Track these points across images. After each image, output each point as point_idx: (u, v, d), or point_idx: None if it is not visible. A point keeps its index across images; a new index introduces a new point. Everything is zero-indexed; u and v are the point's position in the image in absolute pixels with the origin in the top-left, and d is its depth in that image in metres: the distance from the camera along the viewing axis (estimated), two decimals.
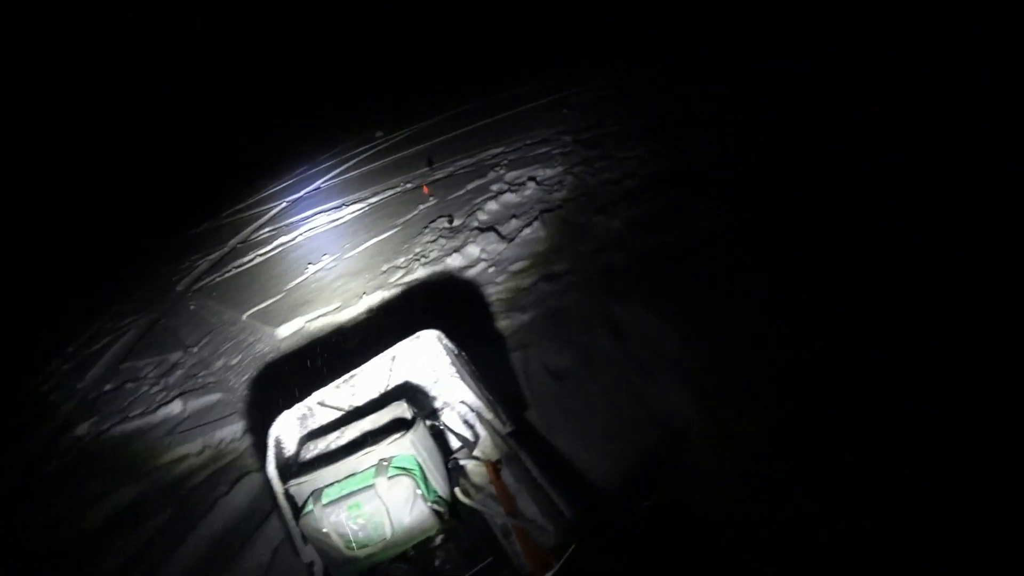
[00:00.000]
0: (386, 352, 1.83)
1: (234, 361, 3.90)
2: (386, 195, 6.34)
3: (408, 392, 1.81)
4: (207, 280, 5.94)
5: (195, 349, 4.37)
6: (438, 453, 1.64)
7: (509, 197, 4.63)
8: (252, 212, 8.13)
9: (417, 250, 4.32)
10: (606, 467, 1.95)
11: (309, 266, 5.23)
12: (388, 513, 1.50)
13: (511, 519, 1.57)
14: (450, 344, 1.77)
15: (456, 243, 4.19)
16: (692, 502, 1.76)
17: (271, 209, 7.81)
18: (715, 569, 1.60)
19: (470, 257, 3.91)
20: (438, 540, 1.57)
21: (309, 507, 1.52)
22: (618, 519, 1.72)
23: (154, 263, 7.48)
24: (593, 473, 1.96)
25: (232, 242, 6.90)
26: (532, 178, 4.78)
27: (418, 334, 1.82)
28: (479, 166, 5.70)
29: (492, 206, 4.58)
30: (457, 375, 1.83)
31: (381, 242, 4.92)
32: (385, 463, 1.52)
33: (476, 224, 4.41)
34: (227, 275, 5.85)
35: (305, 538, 1.58)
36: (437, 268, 3.88)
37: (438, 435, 1.75)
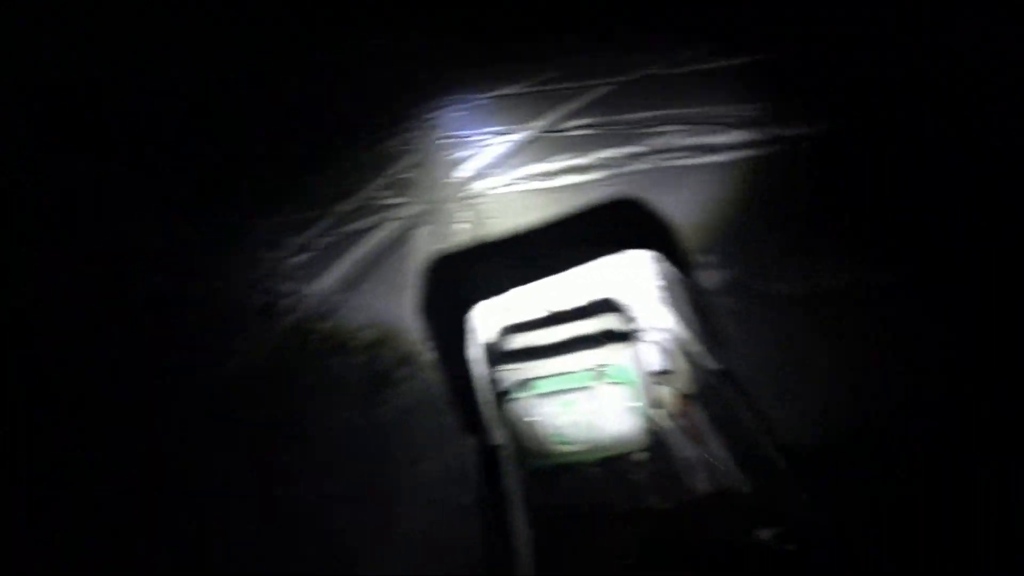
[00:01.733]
0: (594, 262, 1.77)
1: None
2: None
3: (613, 307, 1.75)
4: None
5: None
6: (647, 373, 1.59)
7: None
8: None
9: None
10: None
11: None
12: (601, 417, 1.47)
13: (707, 453, 1.51)
14: (669, 267, 1.69)
15: None
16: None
17: None
18: None
19: None
20: (639, 456, 1.53)
21: (519, 394, 1.50)
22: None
23: None
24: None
25: None
26: None
27: (629, 252, 1.75)
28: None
29: None
30: (665, 301, 1.75)
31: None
32: (603, 369, 1.48)
33: None
34: None
35: (499, 422, 1.58)
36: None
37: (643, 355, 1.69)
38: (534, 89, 6.33)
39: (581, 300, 1.79)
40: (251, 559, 1.90)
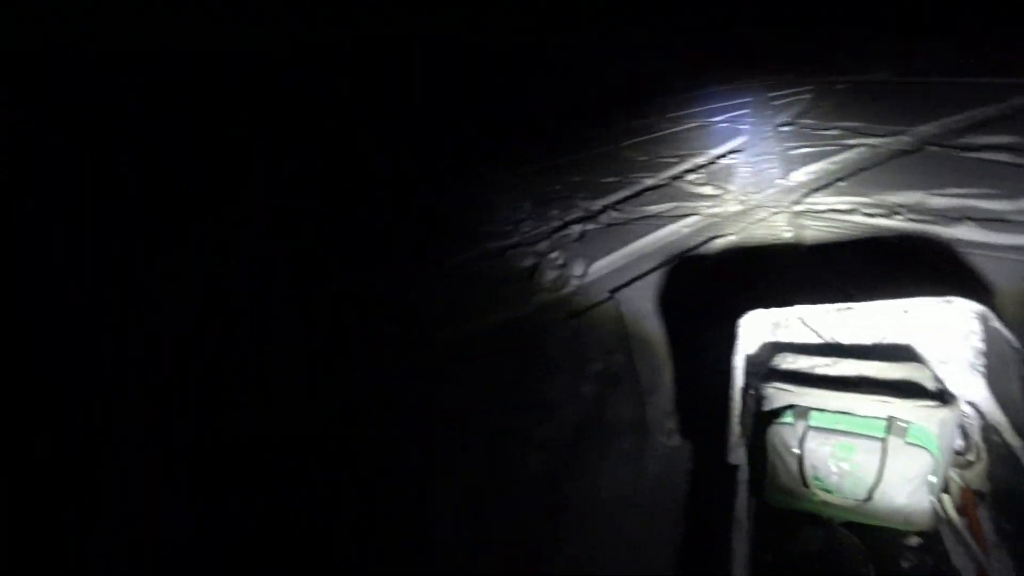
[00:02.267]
0: (898, 301, 1.51)
1: None
2: None
3: (916, 356, 1.47)
4: None
5: None
6: (951, 449, 1.31)
7: None
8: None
9: None
10: None
11: None
12: (882, 479, 1.23)
13: (991, 568, 1.20)
14: (1003, 329, 1.37)
15: None
16: None
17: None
18: None
19: None
20: (913, 541, 1.27)
21: (789, 419, 1.32)
22: None
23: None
24: None
25: None
26: None
27: (950, 299, 1.46)
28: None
29: None
30: (982, 370, 1.44)
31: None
32: (903, 425, 1.24)
33: None
34: None
35: (742, 440, 1.42)
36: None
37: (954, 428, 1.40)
38: (902, 80, 5.95)
39: (875, 338, 1.55)
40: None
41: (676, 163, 5.54)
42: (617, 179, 5.51)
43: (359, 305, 3.89)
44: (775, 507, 1.38)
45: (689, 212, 4.22)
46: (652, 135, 7.13)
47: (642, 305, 3.03)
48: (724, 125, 6.72)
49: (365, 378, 2.94)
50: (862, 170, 4.08)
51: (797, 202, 3.82)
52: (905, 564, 1.26)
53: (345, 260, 4.97)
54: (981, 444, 1.45)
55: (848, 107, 5.91)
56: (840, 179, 4.01)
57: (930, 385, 1.32)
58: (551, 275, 3.67)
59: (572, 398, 2.41)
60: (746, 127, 6.31)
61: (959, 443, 1.46)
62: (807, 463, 1.28)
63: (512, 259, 4.16)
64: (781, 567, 1.33)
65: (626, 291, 3.22)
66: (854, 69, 7.67)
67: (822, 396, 1.33)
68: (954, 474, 1.44)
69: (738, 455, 1.44)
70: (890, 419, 1.26)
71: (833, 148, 4.71)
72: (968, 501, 1.40)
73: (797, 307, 1.58)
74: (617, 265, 3.64)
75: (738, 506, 1.37)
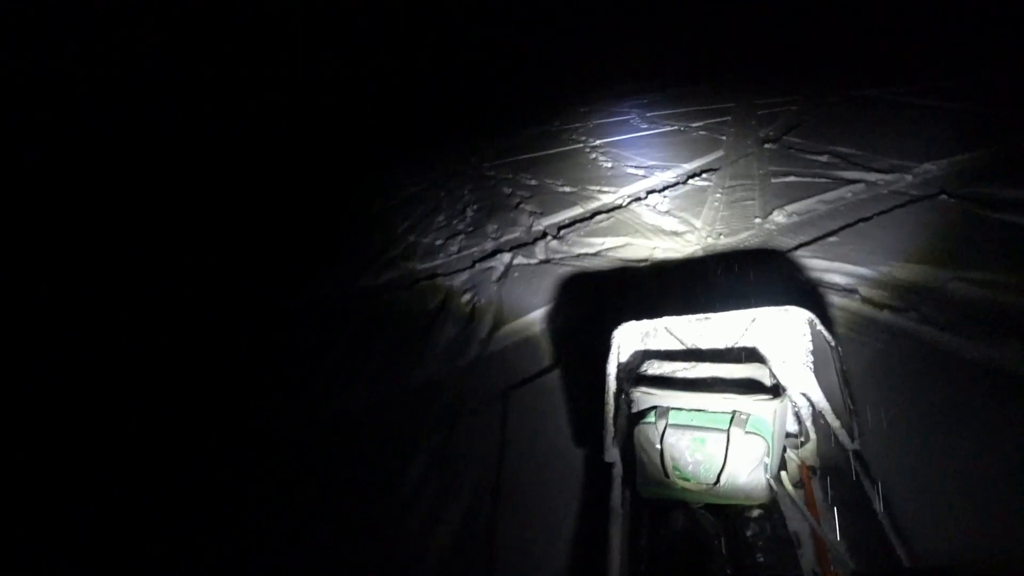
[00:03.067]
0: (748, 311, 1.76)
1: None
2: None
3: (760, 358, 1.73)
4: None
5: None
6: (783, 434, 1.56)
7: None
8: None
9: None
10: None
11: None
12: (727, 463, 1.46)
13: (821, 530, 1.46)
14: (825, 332, 1.64)
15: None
16: None
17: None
18: None
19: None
20: (754, 513, 1.50)
21: (651, 419, 1.52)
22: None
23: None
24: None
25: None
26: None
27: (787, 308, 1.72)
28: None
29: None
30: (810, 366, 1.71)
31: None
32: (743, 416, 1.47)
33: None
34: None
35: (615, 440, 1.61)
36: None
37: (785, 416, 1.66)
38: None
39: (728, 343, 1.79)
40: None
41: (642, 178, 5.22)
42: (574, 191, 5.19)
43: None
44: (646, 497, 1.58)
45: (641, 260, 3.68)
46: (625, 136, 6.94)
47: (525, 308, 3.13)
48: (703, 134, 6.40)
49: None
50: (861, 220, 3.44)
51: (779, 267, 3.16)
52: (749, 533, 1.48)
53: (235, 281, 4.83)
54: (811, 427, 1.72)
55: (840, 127, 5.42)
56: (832, 233, 3.38)
57: (767, 381, 1.56)
58: (450, 332, 3.29)
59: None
60: (727, 138, 5.97)
61: (794, 428, 1.73)
62: (667, 456, 1.48)
63: (420, 297, 3.76)
64: (653, 549, 1.53)
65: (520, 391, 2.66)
66: (847, 82, 7.35)
67: (680, 397, 1.54)
68: (792, 454, 1.70)
69: (612, 454, 1.63)
70: (734, 413, 1.49)
71: (824, 181, 4.16)
72: (805, 475, 1.67)
73: (664, 318, 1.79)
74: (525, 333, 3.09)
75: (613, 498, 1.57)
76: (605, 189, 5.09)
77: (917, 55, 8.25)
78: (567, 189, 5.28)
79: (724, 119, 6.73)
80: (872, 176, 4.05)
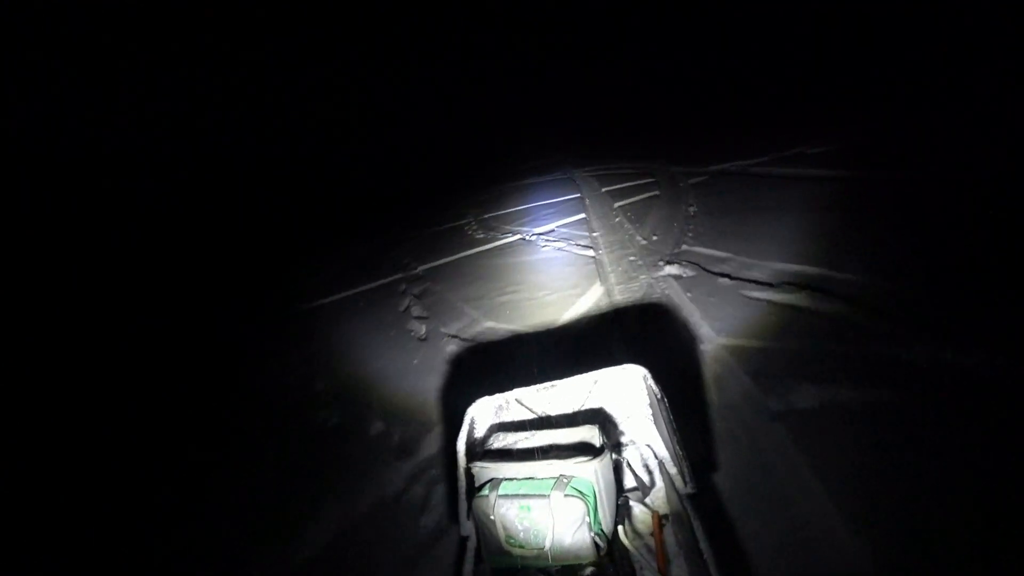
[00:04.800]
0: (590, 374, 1.88)
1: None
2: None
3: (600, 418, 1.84)
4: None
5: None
6: (613, 488, 1.66)
7: None
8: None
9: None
10: (782, 562, 1.80)
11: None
12: (553, 527, 1.56)
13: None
14: (654, 386, 1.76)
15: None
16: None
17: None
18: None
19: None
20: (587, 571, 1.59)
21: (486, 492, 1.64)
22: None
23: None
24: (762, 564, 1.82)
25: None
26: None
27: (624, 366, 1.84)
28: None
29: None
30: (651, 418, 1.81)
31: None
32: (565, 480, 1.58)
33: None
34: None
35: (469, 515, 1.71)
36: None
37: (617, 469, 1.76)
38: None
39: (574, 406, 1.90)
40: None
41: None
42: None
43: None
44: (495, 567, 1.67)
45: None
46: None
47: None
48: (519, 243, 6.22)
49: None
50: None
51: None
52: None
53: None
54: (657, 476, 1.81)
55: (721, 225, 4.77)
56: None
57: (596, 442, 1.68)
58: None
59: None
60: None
61: (636, 479, 1.82)
62: (499, 526, 1.59)
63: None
64: None
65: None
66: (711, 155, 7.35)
67: (512, 467, 1.66)
68: (640, 505, 1.79)
69: (466, 527, 1.74)
70: (559, 477, 1.60)
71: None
72: (655, 524, 1.75)
73: (515, 390, 1.93)
74: None
75: (466, 572, 1.67)
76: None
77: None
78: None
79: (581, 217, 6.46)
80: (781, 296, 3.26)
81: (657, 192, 6.58)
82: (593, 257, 4.94)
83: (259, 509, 2.71)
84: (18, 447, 3.61)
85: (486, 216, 7.92)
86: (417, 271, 6.09)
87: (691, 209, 5.40)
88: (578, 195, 7.62)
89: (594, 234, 5.63)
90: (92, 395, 4.22)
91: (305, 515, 2.55)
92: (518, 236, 6.46)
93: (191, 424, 3.62)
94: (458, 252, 6.45)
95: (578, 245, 5.42)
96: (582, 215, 6.54)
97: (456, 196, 10.05)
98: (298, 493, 2.71)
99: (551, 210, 7.31)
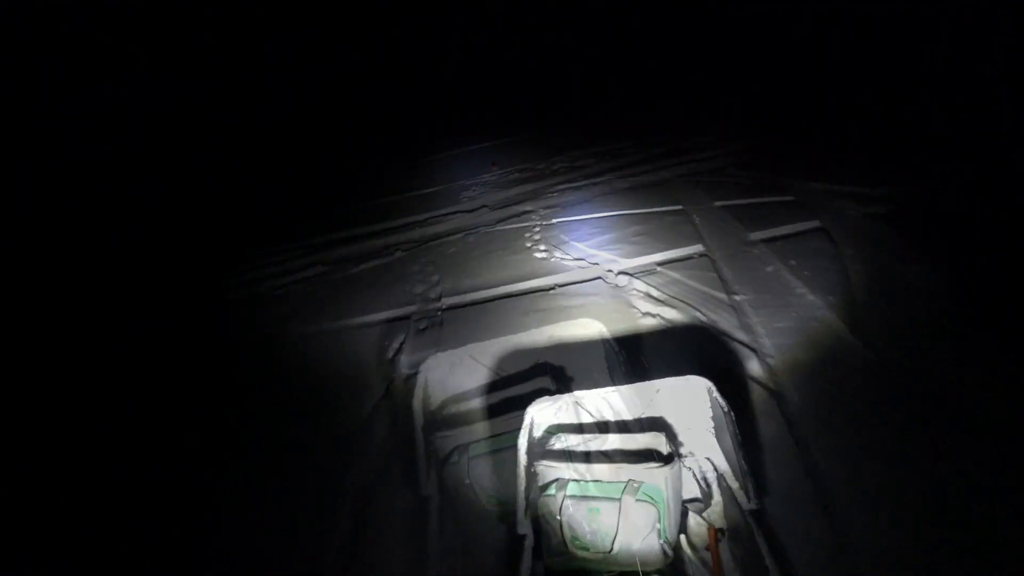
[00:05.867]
0: (652, 382, 1.87)
1: None
2: None
3: (662, 427, 1.83)
4: None
5: None
6: (680, 497, 1.65)
7: None
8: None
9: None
10: None
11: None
12: (620, 531, 1.55)
13: None
14: (720, 399, 1.76)
15: None
16: None
17: None
18: None
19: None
20: None
21: (552, 491, 1.63)
22: None
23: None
24: None
25: None
26: None
27: (687, 377, 1.84)
28: None
29: None
30: (712, 431, 1.81)
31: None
32: (636, 485, 1.57)
33: None
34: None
35: (527, 512, 1.70)
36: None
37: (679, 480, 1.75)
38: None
39: (635, 414, 1.89)
40: None
41: None
42: None
43: None
44: (553, 568, 1.66)
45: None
46: None
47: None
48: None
49: None
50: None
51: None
52: None
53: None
54: (716, 490, 1.81)
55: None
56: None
57: (664, 449, 1.67)
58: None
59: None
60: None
61: (698, 491, 1.81)
62: (565, 526, 1.58)
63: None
64: None
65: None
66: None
67: (580, 469, 1.65)
68: (699, 517, 1.78)
69: (524, 525, 1.71)
70: (628, 482, 1.59)
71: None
72: (711, 538, 1.74)
73: (575, 392, 1.92)
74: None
75: (523, 570, 1.64)
76: None
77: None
78: None
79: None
80: None
81: (817, 223, 3.86)
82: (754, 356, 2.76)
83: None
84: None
85: (554, 221, 5.18)
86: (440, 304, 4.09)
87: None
88: (679, 207, 4.75)
89: (735, 296, 3.23)
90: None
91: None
92: (593, 267, 4.03)
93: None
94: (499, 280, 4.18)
95: (705, 310, 3.16)
96: (697, 246, 3.96)
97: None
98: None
99: (640, 226, 4.59)
